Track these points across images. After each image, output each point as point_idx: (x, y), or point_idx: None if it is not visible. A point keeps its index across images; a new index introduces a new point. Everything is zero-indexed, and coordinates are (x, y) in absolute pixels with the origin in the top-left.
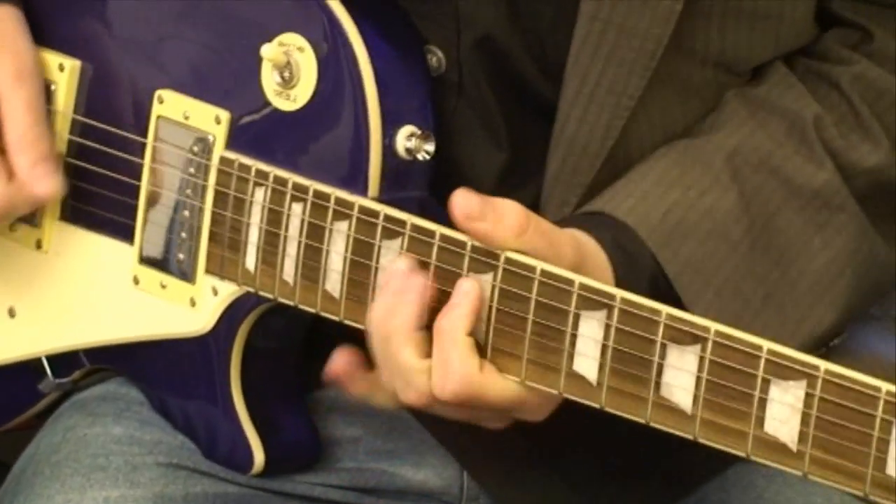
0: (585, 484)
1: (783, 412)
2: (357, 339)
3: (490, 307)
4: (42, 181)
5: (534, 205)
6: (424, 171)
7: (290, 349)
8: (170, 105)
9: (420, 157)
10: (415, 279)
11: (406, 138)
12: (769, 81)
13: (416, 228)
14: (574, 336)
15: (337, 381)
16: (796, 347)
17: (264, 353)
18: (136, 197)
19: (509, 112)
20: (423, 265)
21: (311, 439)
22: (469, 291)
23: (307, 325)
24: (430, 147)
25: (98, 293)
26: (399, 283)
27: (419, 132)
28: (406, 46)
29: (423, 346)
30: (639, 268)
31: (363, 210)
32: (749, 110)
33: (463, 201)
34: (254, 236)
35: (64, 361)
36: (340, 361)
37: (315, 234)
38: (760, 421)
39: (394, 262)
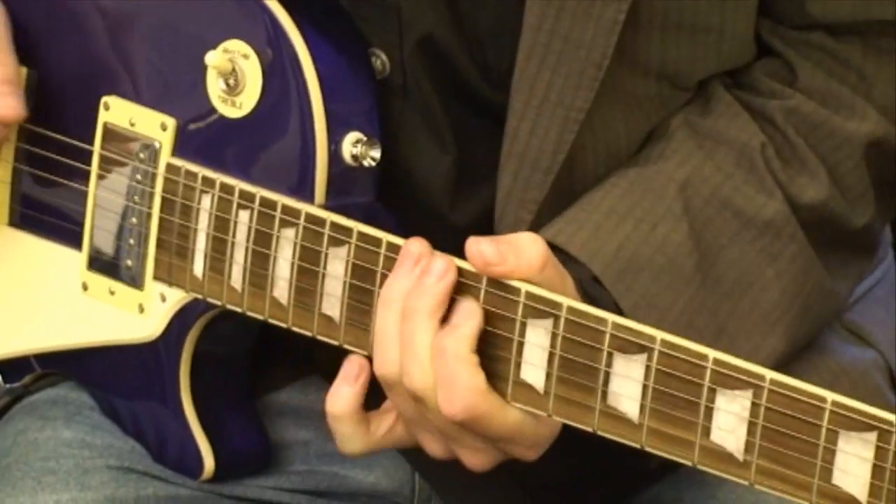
0: (537, 485)
1: (729, 421)
2: (307, 345)
3: None
4: (4, 100)
5: (488, 213)
6: (371, 176)
7: (239, 354)
8: (116, 112)
9: (366, 163)
10: (452, 271)
11: (352, 144)
12: (715, 112)
13: (362, 237)
14: (521, 344)
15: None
16: None
17: (214, 359)
18: (85, 204)
19: (454, 114)
20: (370, 273)
21: (261, 444)
22: (474, 311)
23: (256, 331)
24: (376, 153)
25: (47, 299)
26: (441, 266)
27: (365, 138)
28: (350, 51)
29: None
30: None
31: (310, 218)
32: (696, 141)
33: (476, 249)
34: (201, 243)
35: (14, 366)
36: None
37: (262, 241)
38: (707, 430)
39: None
